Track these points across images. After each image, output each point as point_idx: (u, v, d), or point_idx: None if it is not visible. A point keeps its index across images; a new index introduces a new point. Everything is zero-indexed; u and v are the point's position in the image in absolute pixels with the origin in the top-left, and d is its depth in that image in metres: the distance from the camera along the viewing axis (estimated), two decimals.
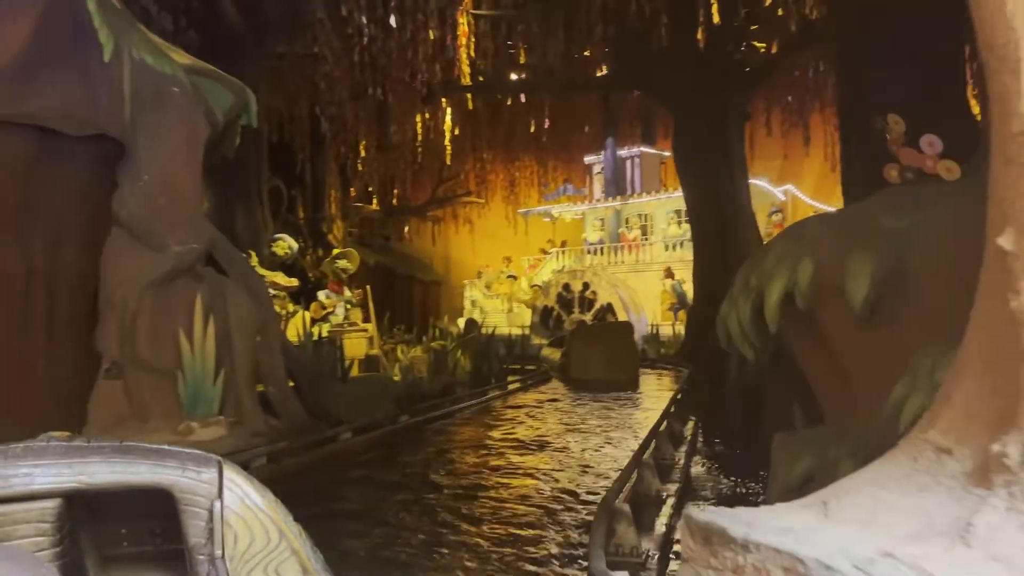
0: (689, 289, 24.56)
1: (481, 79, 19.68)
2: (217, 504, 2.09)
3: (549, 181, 30.68)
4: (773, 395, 6.71)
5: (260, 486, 2.22)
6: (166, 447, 2.19)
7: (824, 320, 4.62)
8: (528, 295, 28.17)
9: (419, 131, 28.63)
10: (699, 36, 17.16)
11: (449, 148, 30.71)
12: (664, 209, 26.89)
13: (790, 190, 27.18)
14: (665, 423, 9.05)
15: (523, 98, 26.48)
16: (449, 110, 29.13)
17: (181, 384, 8.31)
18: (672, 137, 19.02)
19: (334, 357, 13.24)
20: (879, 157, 5.68)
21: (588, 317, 25.29)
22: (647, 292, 25.65)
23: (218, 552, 2.08)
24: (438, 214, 34.70)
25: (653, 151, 29.13)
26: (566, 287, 26.10)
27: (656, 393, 14.20)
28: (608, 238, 27.75)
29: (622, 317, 24.85)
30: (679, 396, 11.23)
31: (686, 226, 26.70)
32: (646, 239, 27.09)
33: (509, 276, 30.90)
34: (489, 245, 34.67)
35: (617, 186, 28.27)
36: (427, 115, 28.82)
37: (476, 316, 26.95)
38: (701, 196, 18.30)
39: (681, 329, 21.44)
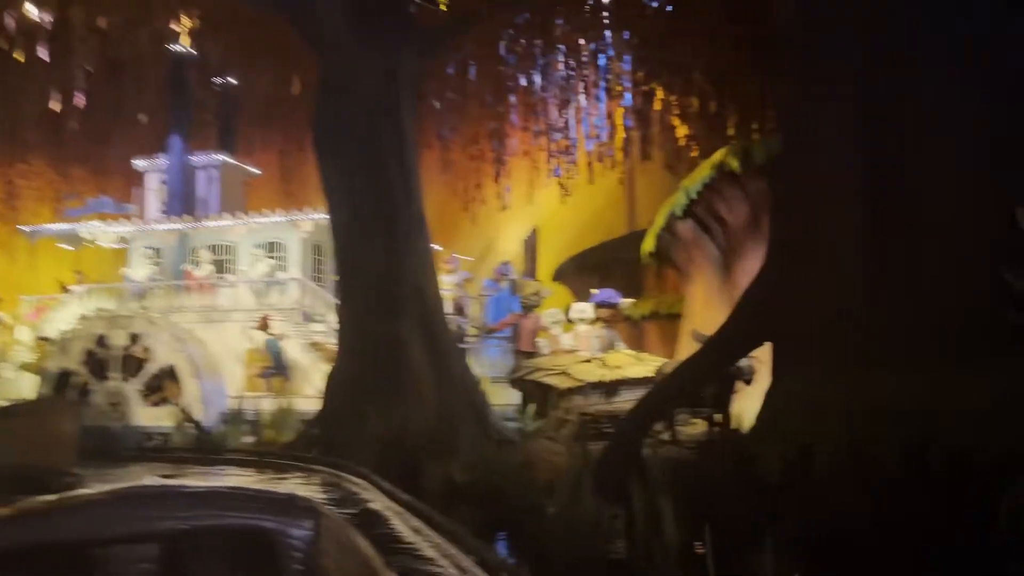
0: (292, 346, 17.76)
1: None
2: (314, 548, 2.10)
3: (77, 192, 21.33)
4: None
5: (355, 532, 2.30)
6: (266, 491, 2.28)
7: None
8: (35, 353, 18.49)
9: None
10: None
11: None
12: (252, 240, 19.72)
13: None
14: None
15: (45, 53, 17.53)
16: None
17: None
18: (318, 105, 12.57)
19: None
20: None
21: (136, 386, 16.83)
22: (226, 351, 18.09)
23: None
24: None
25: (237, 163, 21.77)
26: (101, 341, 17.25)
27: None
28: (167, 274, 19.51)
29: (189, 384, 16.98)
30: None
31: (281, 265, 20.01)
32: (222, 278, 19.56)
33: None
34: None
35: (184, 204, 20.24)
36: None
37: None
38: (358, 198, 12.05)
39: (296, 403, 14.51)
